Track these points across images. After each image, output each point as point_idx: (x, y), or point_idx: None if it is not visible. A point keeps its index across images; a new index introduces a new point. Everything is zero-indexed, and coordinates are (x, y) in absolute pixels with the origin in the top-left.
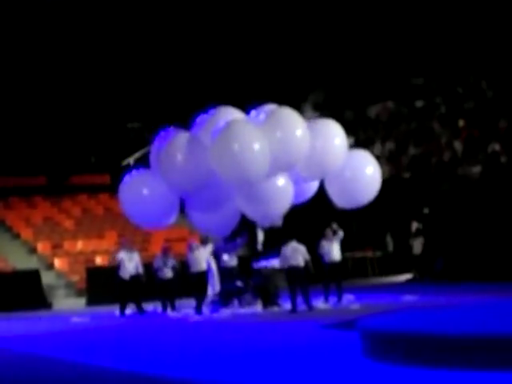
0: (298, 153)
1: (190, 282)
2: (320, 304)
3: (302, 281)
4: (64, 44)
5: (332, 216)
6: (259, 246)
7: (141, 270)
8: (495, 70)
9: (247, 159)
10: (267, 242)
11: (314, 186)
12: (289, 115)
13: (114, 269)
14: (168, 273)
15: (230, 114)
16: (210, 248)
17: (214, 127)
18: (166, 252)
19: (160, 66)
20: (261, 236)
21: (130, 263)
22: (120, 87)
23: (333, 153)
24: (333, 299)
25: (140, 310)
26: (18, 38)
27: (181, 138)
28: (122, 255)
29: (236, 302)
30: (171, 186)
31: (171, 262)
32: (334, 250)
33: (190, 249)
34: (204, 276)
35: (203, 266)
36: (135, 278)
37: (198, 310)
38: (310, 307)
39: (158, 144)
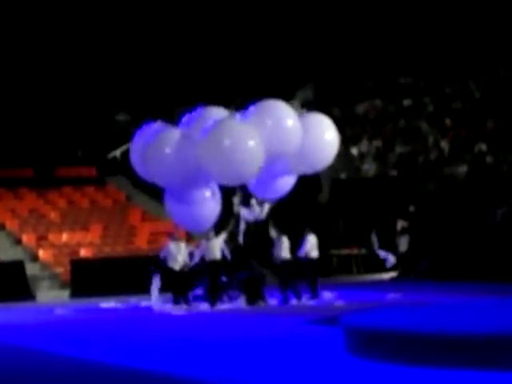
0: (289, 142)
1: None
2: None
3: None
4: (53, 36)
5: (318, 213)
6: (240, 239)
7: (188, 261)
8: (483, 71)
9: (240, 157)
10: (249, 235)
11: (290, 181)
12: (279, 106)
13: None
14: (180, 263)
15: (219, 112)
16: (223, 236)
17: (205, 124)
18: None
19: (148, 59)
20: (243, 227)
21: (179, 255)
22: (108, 79)
23: (324, 147)
24: (306, 296)
25: (187, 301)
26: (5, 29)
27: (169, 132)
28: (172, 247)
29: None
30: (158, 180)
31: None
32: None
33: (206, 238)
34: (218, 265)
35: (217, 255)
36: (184, 269)
37: (213, 302)
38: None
39: (145, 138)
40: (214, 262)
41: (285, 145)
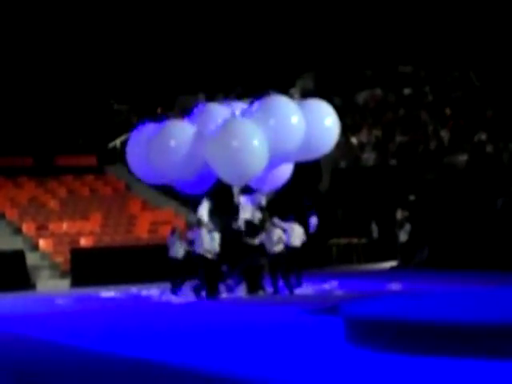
0: (294, 140)
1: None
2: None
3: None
4: (52, 26)
5: (318, 202)
6: (241, 224)
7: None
8: (483, 60)
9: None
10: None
11: (288, 170)
12: (282, 103)
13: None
14: (179, 252)
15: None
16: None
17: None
18: (174, 233)
19: (148, 49)
20: (242, 216)
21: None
22: (108, 69)
23: (324, 133)
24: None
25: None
26: (3, 19)
27: (174, 126)
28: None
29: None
30: (161, 173)
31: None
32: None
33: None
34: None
35: (217, 247)
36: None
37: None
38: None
39: (149, 131)
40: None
41: (289, 143)
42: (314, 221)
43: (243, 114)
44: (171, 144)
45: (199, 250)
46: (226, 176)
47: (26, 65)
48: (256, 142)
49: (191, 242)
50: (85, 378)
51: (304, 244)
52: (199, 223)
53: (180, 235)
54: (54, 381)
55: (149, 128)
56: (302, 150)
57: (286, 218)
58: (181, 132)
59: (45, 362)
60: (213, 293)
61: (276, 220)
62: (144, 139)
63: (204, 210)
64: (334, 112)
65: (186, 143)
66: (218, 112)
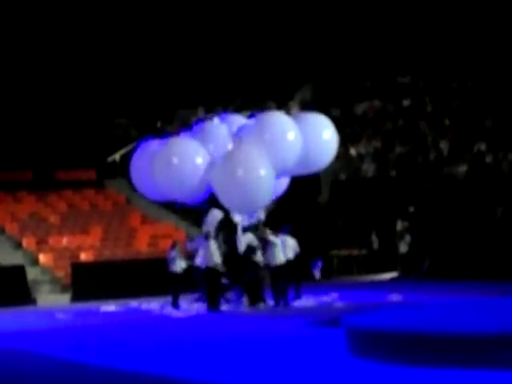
0: (292, 156)
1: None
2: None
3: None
4: (53, 40)
5: (318, 213)
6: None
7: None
8: (481, 70)
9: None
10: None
11: (284, 183)
12: (278, 119)
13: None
14: (180, 266)
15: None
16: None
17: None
18: (174, 247)
19: (147, 62)
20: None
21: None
22: (107, 83)
23: (322, 147)
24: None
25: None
26: (6, 33)
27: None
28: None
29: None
30: (164, 190)
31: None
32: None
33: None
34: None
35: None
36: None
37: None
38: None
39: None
40: (215, 268)
41: (287, 159)
42: (319, 265)
43: (240, 130)
44: (174, 161)
45: (207, 262)
46: (233, 207)
47: (26, 79)
48: (263, 172)
49: (191, 255)
50: None
51: (301, 256)
52: (207, 236)
53: (180, 249)
54: None
55: (153, 144)
56: (301, 165)
57: (280, 229)
58: (184, 149)
59: (45, 376)
60: (215, 305)
61: (269, 233)
62: (148, 155)
63: (212, 223)
64: (332, 125)
65: (189, 162)
66: (218, 130)
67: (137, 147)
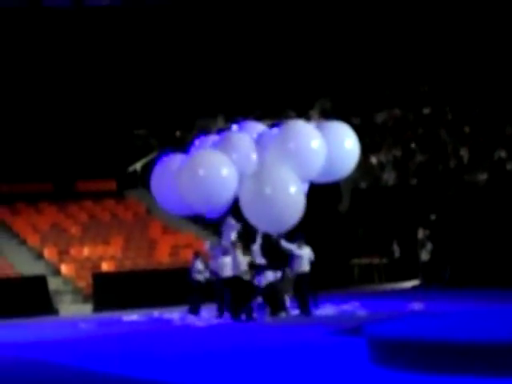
0: (316, 165)
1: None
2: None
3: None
4: (73, 51)
5: (338, 222)
6: (257, 257)
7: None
8: (501, 77)
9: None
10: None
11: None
12: (302, 128)
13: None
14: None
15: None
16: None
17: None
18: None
19: (166, 73)
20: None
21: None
22: (126, 93)
23: (345, 155)
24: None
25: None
26: (25, 44)
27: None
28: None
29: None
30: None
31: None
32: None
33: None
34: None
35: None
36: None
37: (235, 315)
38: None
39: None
40: (240, 277)
41: (311, 168)
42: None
43: (261, 137)
44: (200, 173)
45: (234, 271)
46: (261, 225)
47: (47, 91)
48: (293, 189)
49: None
50: None
51: (324, 264)
52: (234, 245)
53: (202, 258)
54: None
55: (175, 159)
56: (323, 174)
57: (295, 238)
58: (210, 161)
59: None
60: (238, 315)
61: (283, 242)
62: (169, 169)
63: (228, 233)
64: (354, 133)
65: (216, 173)
66: (240, 139)
67: (157, 159)
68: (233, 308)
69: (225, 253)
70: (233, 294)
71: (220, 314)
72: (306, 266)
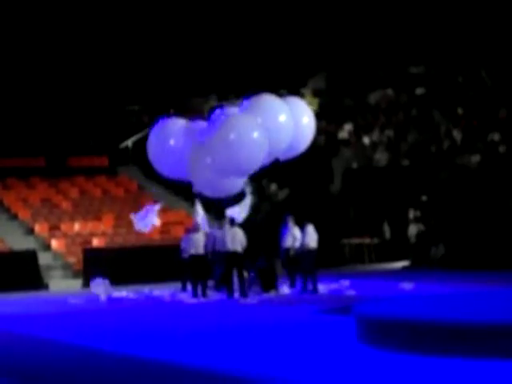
0: (283, 139)
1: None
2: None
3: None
4: (63, 26)
5: (330, 202)
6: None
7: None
8: (495, 59)
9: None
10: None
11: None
12: (270, 102)
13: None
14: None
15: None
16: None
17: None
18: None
19: (159, 49)
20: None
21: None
22: (119, 69)
23: (302, 131)
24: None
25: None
26: (15, 21)
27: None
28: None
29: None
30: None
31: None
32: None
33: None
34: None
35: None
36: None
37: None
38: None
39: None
40: (235, 253)
41: (279, 143)
42: None
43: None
44: (231, 137)
45: (232, 246)
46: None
47: (38, 66)
48: (255, 134)
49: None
50: (96, 377)
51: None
52: (232, 222)
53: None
54: (65, 381)
55: (175, 122)
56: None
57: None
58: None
59: (57, 361)
60: (232, 290)
61: (291, 223)
62: (169, 132)
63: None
64: (311, 110)
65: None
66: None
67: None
68: (226, 282)
69: (195, 230)
70: (227, 269)
71: (183, 288)
72: (314, 243)
